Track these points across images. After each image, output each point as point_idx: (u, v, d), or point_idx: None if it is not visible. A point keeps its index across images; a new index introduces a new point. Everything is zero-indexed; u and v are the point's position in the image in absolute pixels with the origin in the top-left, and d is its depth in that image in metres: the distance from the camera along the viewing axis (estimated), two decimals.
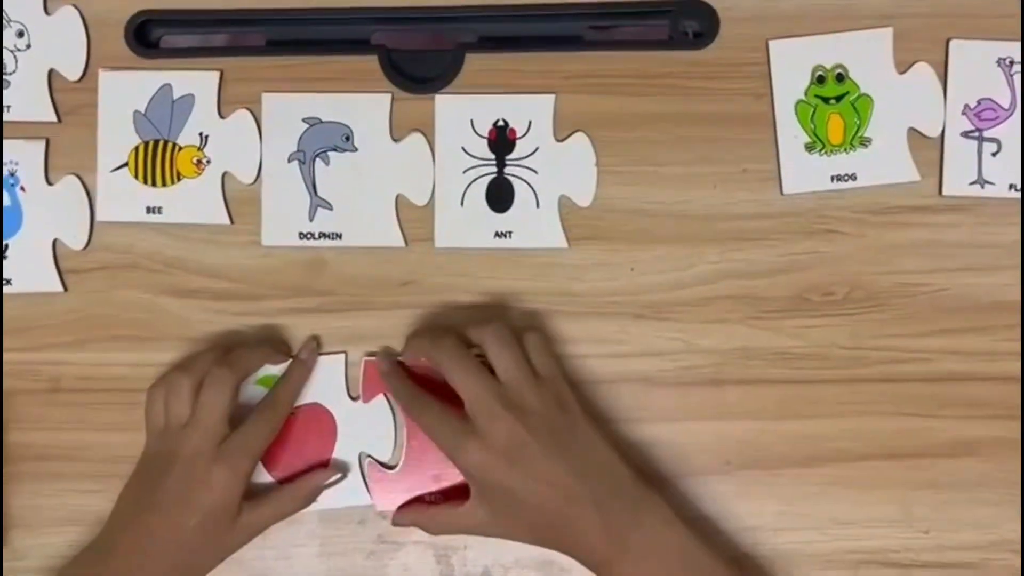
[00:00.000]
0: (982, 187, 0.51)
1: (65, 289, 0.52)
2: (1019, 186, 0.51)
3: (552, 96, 0.52)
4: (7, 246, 0.52)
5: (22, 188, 0.52)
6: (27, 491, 0.52)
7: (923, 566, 0.51)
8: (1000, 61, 0.51)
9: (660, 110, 0.52)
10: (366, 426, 0.51)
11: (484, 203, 0.52)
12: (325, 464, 0.51)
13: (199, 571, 0.47)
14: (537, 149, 0.52)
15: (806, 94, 0.51)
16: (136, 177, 0.52)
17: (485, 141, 0.52)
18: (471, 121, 0.52)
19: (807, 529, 0.51)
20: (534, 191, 0.52)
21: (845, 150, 0.51)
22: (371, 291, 0.52)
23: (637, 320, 0.52)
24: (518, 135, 0.52)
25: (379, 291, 0.52)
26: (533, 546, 0.47)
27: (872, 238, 0.52)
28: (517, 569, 0.51)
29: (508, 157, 0.52)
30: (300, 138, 0.52)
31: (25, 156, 0.52)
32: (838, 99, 0.51)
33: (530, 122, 0.52)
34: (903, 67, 0.51)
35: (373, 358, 0.51)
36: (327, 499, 0.50)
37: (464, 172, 0.52)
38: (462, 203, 0.52)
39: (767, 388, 0.51)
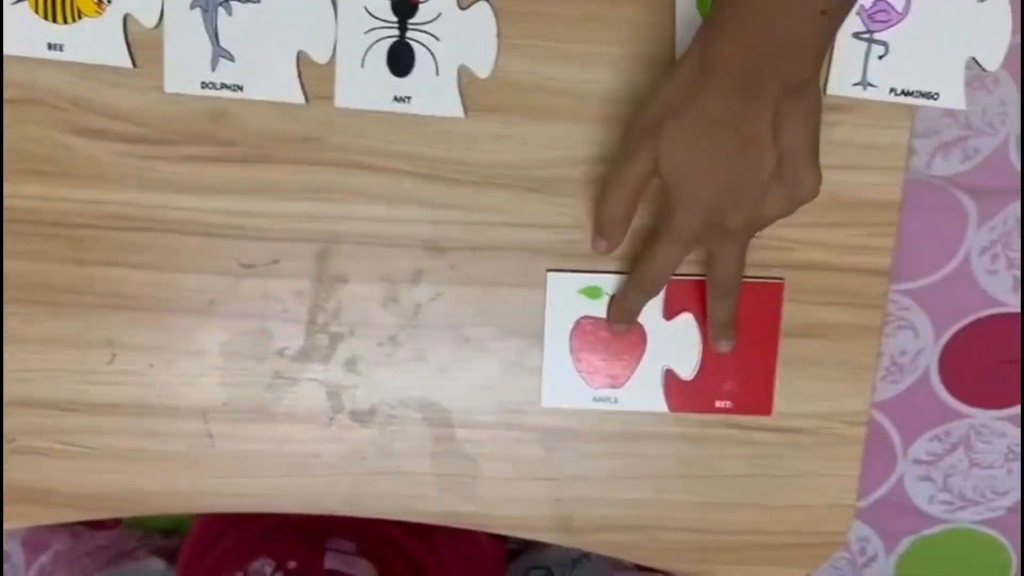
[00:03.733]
0: (864, 89, 0.52)
1: None
2: (900, 90, 0.52)
3: None
4: None
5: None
6: None
7: (764, 429, 0.58)
8: None
9: None
10: (672, 342, 0.55)
11: (385, 66, 0.52)
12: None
13: None
14: (440, 15, 0.52)
15: None
16: (36, 12, 0.52)
17: (388, 2, 0.52)
18: None
19: None
20: (435, 58, 0.52)
21: None
22: (271, 144, 0.54)
23: (528, 193, 0.54)
24: None
25: (280, 145, 0.54)
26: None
27: None
28: (401, 408, 0.57)
29: (410, 21, 0.52)
30: None
31: None
32: None
33: None
34: None
35: (677, 277, 0.53)
36: (625, 402, 0.55)
37: (366, 32, 0.52)
38: (363, 64, 0.52)
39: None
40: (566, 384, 0.56)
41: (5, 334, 0.55)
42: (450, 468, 0.57)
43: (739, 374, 0.55)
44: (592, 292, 0.55)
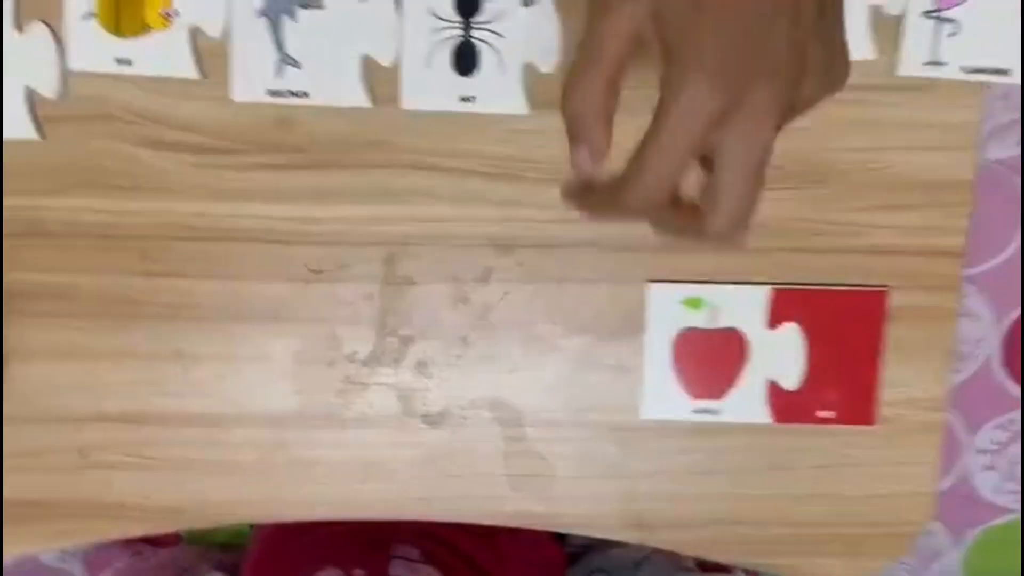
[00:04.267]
0: (935, 68, 0.52)
1: (42, 137, 0.54)
2: (971, 68, 0.52)
3: None
4: None
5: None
6: (19, 326, 0.56)
7: None
8: None
9: None
10: (775, 352, 0.54)
11: (449, 66, 0.53)
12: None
13: None
14: (503, 12, 0.52)
15: None
16: (104, 26, 0.53)
17: (451, 1, 0.52)
18: None
19: None
20: (499, 55, 0.52)
21: None
22: (338, 149, 0.54)
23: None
24: None
25: (347, 150, 0.54)
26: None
27: (823, 114, 0.53)
28: (473, 409, 0.57)
29: (474, 19, 0.52)
30: None
31: None
32: None
33: None
34: None
35: (780, 287, 0.53)
36: (727, 414, 0.54)
37: (430, 33, 0.52)
38: (428, 65, 0.53)
39: (709, 255, 0.55)
40: (666, 396, 0.55)
41: (76, 350, 0.56)
42: (523, 468, 0.57)
43: (843, 383, 0.55)
44: (694, 303, 0.54)
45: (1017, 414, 1.08)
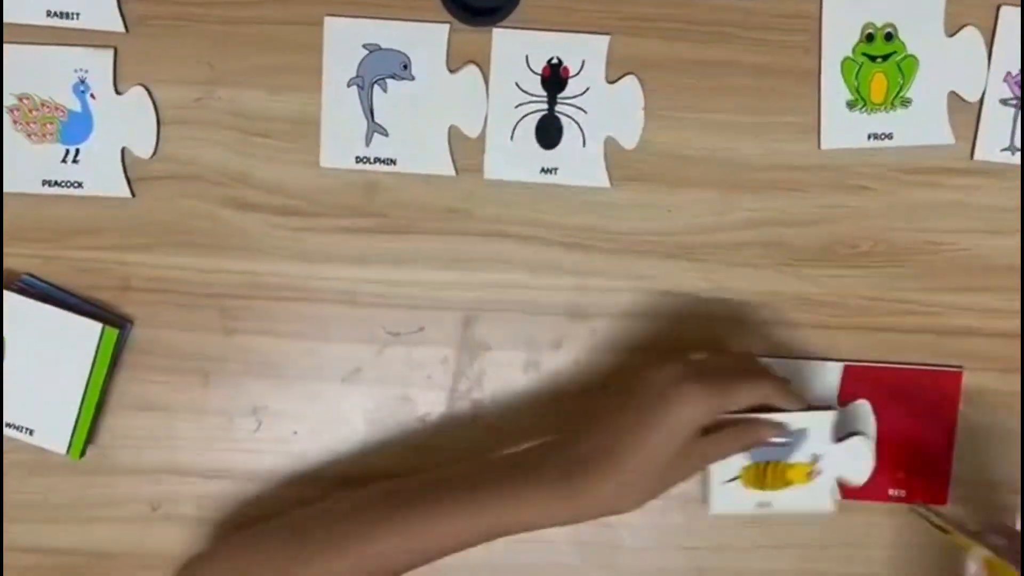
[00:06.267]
0: (1013, 154, 0.52)
1: (133, 195, 0.55)
2: None
3: (607, 37, 0.53)
4: (78, 151, 0.55)
5: (92, 95, 0.55)
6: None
7: None
8: None
9: (711, 57, 0.54)
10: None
11: (533, 139, 0.54)
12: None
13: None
14: (588, 89, 0.53)
15: (853, 51, 0.52)
16: None
17: (538, 78, 0.53)
18: (526, 57, 0.53)
19: None
20: (582, 130, 0.54)
21: (885, 109, 0.53)
22: (421, 216, 0.55)
23: (668, 259, 0.55)
24: (571, 74, 0.53)
25: (428, 216, 0.55)
26: None
27: (901, 196, 0.54)
28: None
29: (559, 95, 0.54)
30: (360, 63, 0.54)
31: (95, 64, 0.54)
32: (884, 58, 0.52)
33: (583, 61, 0.53)
34: (952, 30, 0.52)
35: (854, 363, 0.53)
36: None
37: (516, 107, 0.54)
38: (512, 137, 0.54)
39: (786, 329, 0.55)
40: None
41: (155, 402, 0.57)
42: (590, 536, 0.57)
43: (914, 462, 0.54)
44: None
45: None
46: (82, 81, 0.54)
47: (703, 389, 0.45)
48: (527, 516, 0.47)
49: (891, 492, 0.55)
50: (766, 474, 0.50)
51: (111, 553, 0.57)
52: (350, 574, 0.48)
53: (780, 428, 0.48)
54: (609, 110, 0.53)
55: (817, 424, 0.50)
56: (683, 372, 0.46)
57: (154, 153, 0.55)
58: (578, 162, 0.54)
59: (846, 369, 0.54)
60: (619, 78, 0.53)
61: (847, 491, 0.53)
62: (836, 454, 0.50)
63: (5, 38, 0.53)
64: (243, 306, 0.56)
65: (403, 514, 0.48)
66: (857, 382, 0.54)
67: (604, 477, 0.46)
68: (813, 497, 0.51)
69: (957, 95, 0.53)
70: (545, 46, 0.53)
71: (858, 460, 0.51)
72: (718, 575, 0.57)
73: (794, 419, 0.49)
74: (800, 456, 0.50)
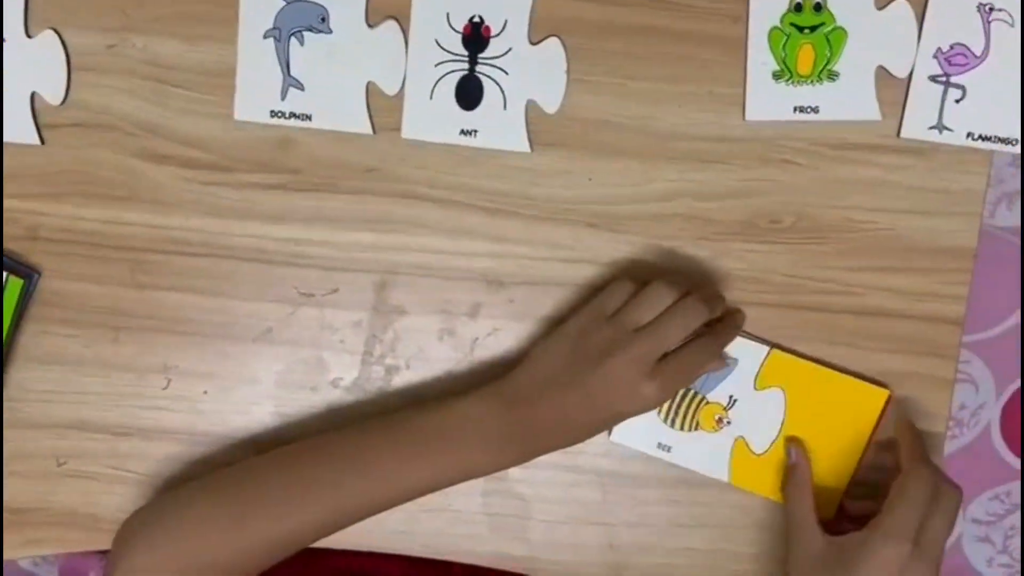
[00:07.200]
0: (940, 133, 0.51)
1: (43, 142, 0.54)
2: (977, 135, 0.51)
3: None
4: None
5: (2, 38, 0.53)
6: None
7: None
8: (980, 7, 0.50)
9: (637, 22, 0.52)
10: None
11: (453, 99, 0.53)
12: None
13: (544, 451, 0.50)
14: (510, 50, 0.52)
15: (782, 21, 0.51)
16: None
17: (459, 36, 0.52)
18: (447, 14, 0.52)
19: None
20: (503, 92, 0.52)
21: (811, 82, 0.51)
22: (337, 174, 0.54)
23: (588, 228, 0.54)
24: (492, 33, 0.52)
25: (344, 175, 0.54)
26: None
27: (825, 172, 0.53)
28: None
29: (480, 55, 0.52)
30: (277, 15, 0.52)
31: (5, 6, 0.52)
32: (813, 29, 0.51)
33: (506, 21, 0.52)
34: (882, 3, 0.51)
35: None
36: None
37: (436, 66, 0.52)
38: (431, 96, 0.53)
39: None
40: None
41: (64, 356, 0.55)
42: (502, 508, 0.56)
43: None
44: None
45: (1012, 487, 1.06)
46: None
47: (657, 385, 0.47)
48: (467, 458, 0.48)
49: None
50: (681, 405, 0.52)
51: (18, 508, 0.56)
52: (294, 530, 0.47)
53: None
54: (531, 72, 0.52)
55: (749, 356, 0.51)
56: (636, 372, 0.47)
57: (64, 100, 0.54)
58: (498, 125, 0.53)
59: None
60: (542, 40, 0.52)
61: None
62: (750, 403, 0.51)
63: None
64: (155, 261, 0.55)
65: (339, 469, 0.47)
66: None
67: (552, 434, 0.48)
68: (712, 459, 0.53)
69: (885, 70, 0.51)
70: (467, 4, 0.51)
71: (768, 418, 0.52)
72: (631, 551, 0.56)
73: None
74: (718, 396, 0.51)
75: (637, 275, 0.53)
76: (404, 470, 0.48)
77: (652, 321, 0.47)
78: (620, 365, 0.47)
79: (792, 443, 0.52)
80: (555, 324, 0.52)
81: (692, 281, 0.53)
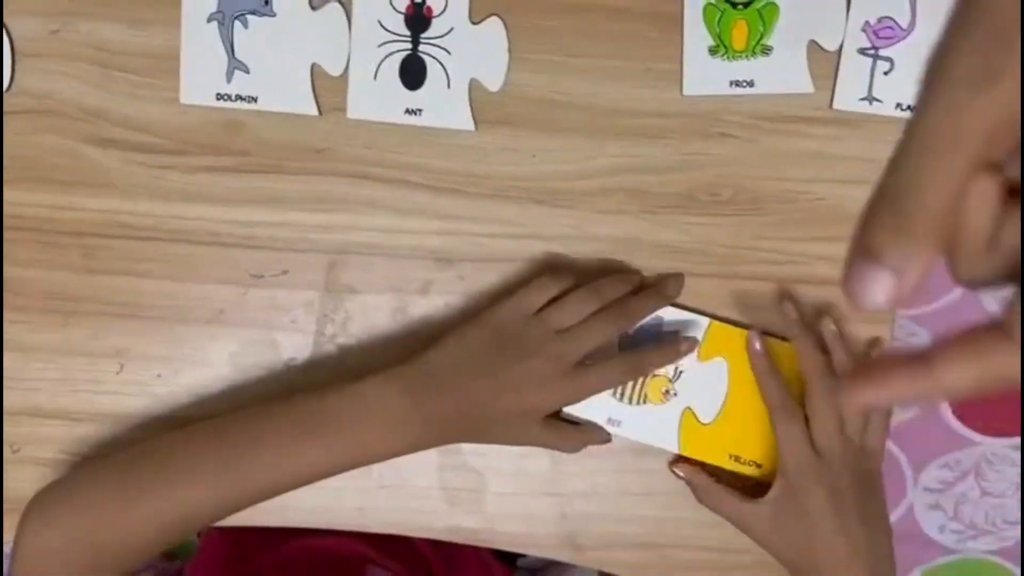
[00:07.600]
0: (870, 104, 0.53)
1: None
2: (906, 105, 0.53)
3: None
4: None
5: None
6: None
7: None
8: None
9: (577, 1, 0.53)
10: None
11: (397, 79, 0.53)
12: None
13: (462, 440, 0.52)
14: (452, 29, 0.53)
15: None
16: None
17: (401, 16, 0.53)
18: None
19: None
20: (446, 71, 0.53)
21: (746, 56, 0.53)
22: (285, 155, 0.55)
23: (535, 205, 0.55)
24: (434, 13, 0.53)
25: (293, 156, 0.55)
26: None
27: (762, 144, 0.54)
28: None
29: (423, 35, 0.53)
30: None
31: None
32: (746, 5, 0.52)
33: (447, 2, 0.53)
34: None
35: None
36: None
37: (379, 46, 0.53)
38: (375, 77, 0.53)
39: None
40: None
41: (14, 343, 0.56)
42: (456, 482, 0.57)
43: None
44: None
45: (962, 454, 1.09)
46: None
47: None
48: (361, 441, 0.48)
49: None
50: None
51: None
52: (186, 510, 0.47)
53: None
54: (473, 51, 0.53)
55: (692, 328, 0.53)
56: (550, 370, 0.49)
57: (10, 86, 0.54)
58: (443, 104, 0.53)
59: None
60: (483, 19, 0.53)
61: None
62: (695, 375, 0.53)
63: None
64: (104, 245, 0.55)
65: (234, 449, 0.47)
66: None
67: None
68: (662, 430, 0.54)
69: (817, 44, 0.53)
70: None
71: (713, 388, 0.54)
72: (583, 520, 0.57)
73: (669, 314, 0.53)
74: (665, 368, 0.54)
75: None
76: (298, 452, 0.48)
77: (575, 326, 0.49)
78: (540, 364, 0.48)
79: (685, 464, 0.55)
80: (471, 314, 0.53)
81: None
